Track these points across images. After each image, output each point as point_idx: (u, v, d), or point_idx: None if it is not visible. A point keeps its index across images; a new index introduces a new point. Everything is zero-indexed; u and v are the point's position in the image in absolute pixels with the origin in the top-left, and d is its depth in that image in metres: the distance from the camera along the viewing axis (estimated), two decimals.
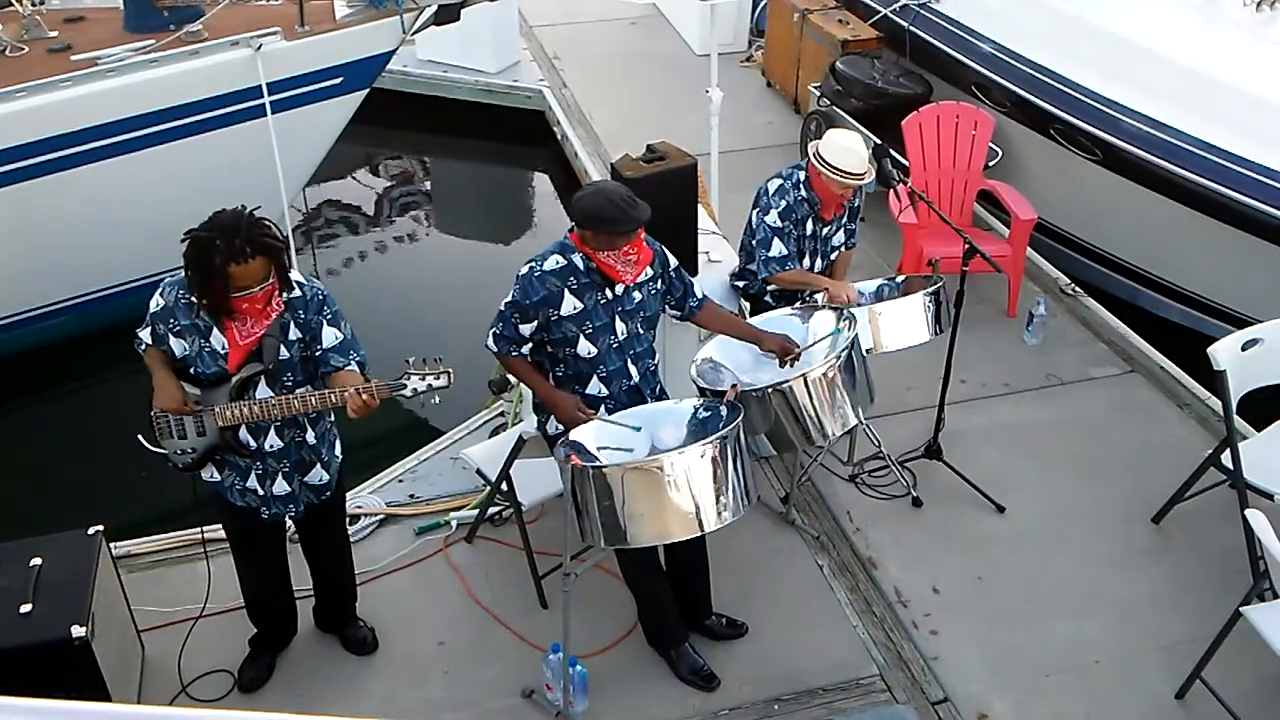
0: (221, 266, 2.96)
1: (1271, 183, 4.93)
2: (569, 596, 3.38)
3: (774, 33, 8.11)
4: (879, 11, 7.09)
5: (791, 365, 3.64)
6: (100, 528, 3.54)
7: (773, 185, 4.37)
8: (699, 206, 4.59)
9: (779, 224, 4.30)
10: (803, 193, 4.32)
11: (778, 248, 4.31)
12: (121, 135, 5.36)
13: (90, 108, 5.22)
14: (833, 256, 4.55)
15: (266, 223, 3.06)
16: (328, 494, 3.52)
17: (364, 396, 3.08)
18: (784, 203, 4.31)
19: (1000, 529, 4.41)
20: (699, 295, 3.74)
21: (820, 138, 4.31)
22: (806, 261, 4.42)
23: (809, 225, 4.36)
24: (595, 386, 3.55)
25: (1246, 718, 3.50)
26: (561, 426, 3.57)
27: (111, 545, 3.67)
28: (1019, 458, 4.76)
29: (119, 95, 5.28)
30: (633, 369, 3.59)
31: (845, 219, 4.52)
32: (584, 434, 3.39)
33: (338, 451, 3.53)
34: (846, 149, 4.18)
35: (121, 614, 3.64)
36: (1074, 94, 5.74)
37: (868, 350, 3.97)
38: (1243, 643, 3.47)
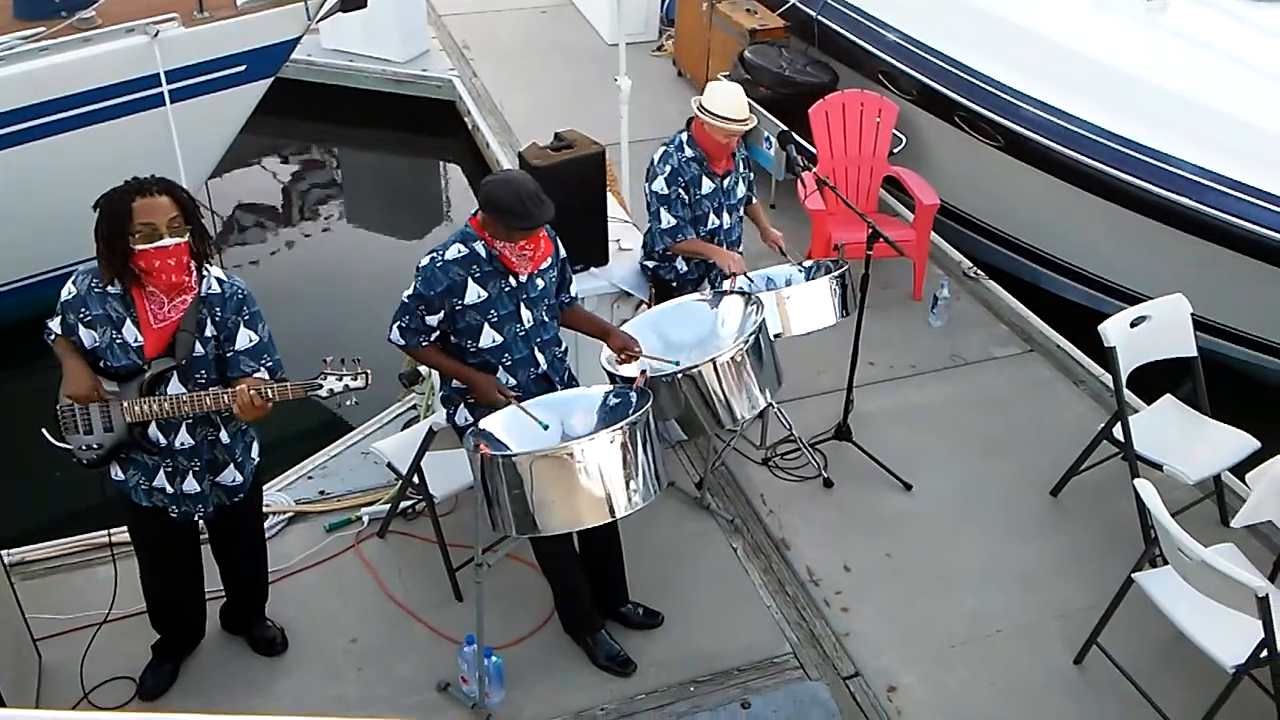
0: (127, 201, 2.94)
1: (1161, 165, 5.12)
2: (483, 587, 3.36)
3: (684, 22, 8.15)
4: (787, 1, 7.17)
5: (632, 362, 3.70)
6: None
7: (658, 153, 4.43)
8: (609, 195, 4.59)
9: (665, 190, 4.34)
10: (687, 153, 4.35)
11: (666, 218, 4.37)
12: (12, 126, 5.15)
13: None
14: (742, 210, 4.59)
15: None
16: (239, 495, 3.43)
17: (251, 393, 3.02)
18: (668, 167, 4.35)
19: (908, 507, 4.51)
20: (572, 294, 3.78)
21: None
22: (714, 219, 4.44)
23: (704, 183, 4.39)
24: (502, 376, 3.53)
25: (1140, 679, 3.65)
26: (471, 416, 3.55)
27: (5, 552, 3.54)
28: (925, 437, 4.88)
29: (9, 85, 5.08)
30: (540, 357, 3.58)
31: (742, 169, 4.55)
32: (494, 422, 3.38)
33: (254, 453, 3.44)
34: (726, 96, 4.26)
35: (15, 621, 3.52)
36: (976, 82, 5.89)
37: (776, 335, 4.02)
38: (1136, 608, 3.62)
